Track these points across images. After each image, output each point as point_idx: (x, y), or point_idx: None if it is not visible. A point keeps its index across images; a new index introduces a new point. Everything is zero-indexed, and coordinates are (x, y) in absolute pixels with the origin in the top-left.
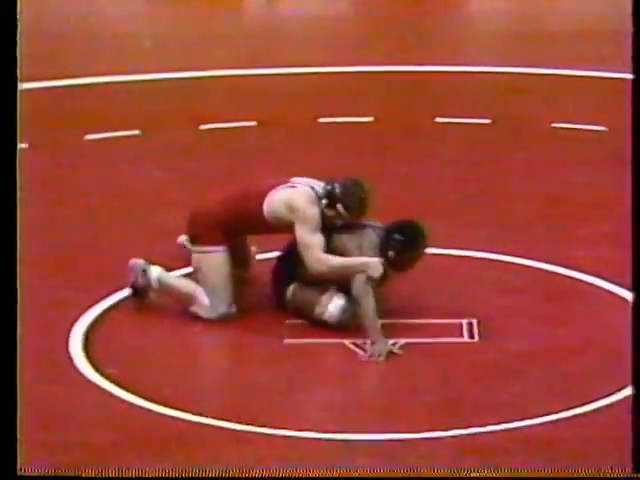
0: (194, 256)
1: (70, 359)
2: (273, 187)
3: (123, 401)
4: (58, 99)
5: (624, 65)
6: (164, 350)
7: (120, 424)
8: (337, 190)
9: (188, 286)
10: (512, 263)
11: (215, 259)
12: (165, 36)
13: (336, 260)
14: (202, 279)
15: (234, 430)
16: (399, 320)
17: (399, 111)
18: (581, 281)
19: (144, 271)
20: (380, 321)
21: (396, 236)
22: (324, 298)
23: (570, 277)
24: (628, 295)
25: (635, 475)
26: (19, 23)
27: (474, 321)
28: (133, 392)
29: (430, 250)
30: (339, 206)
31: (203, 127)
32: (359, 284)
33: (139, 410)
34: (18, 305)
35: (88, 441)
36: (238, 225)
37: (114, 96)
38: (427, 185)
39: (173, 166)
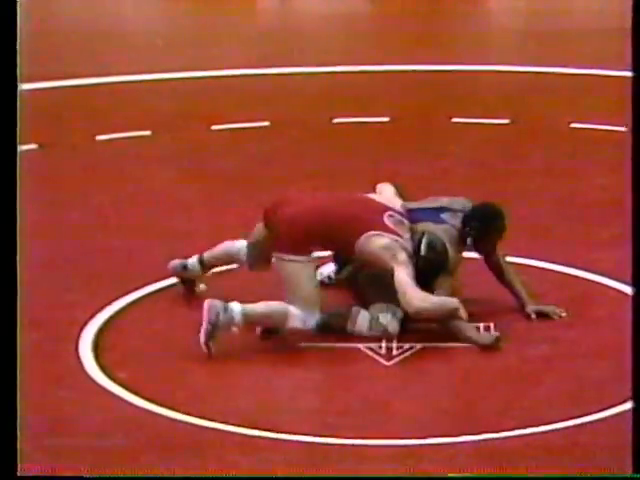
0: (284, 266)
1: (80, 363)
2: (369, 222)
3: (133, 405)
4: (69, 99)
5: None
6: (175, 354)
7: (130, 428)
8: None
9: (277, 307)
10: (531, 266)
11: (308, 268)
12: (177, 35)
13: (433, 299)
14: (294, 289)
15: (245, 435)
16: (415, 324)
17: (415, 111)
18: (601, 284)
19: (225, 309)
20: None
21: (472, 223)
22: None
23: (590, 280)
24: None
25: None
26: (25, 22)
27: (492, 325)
28: (143, 396)
29: None
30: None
31: (215, 127)
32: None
33: (149, 415)
34: (18, 307)
35: (97, 445)
36: (324, 242)
37: (125, 96)
38: (443, 186)
39: (185, 167)
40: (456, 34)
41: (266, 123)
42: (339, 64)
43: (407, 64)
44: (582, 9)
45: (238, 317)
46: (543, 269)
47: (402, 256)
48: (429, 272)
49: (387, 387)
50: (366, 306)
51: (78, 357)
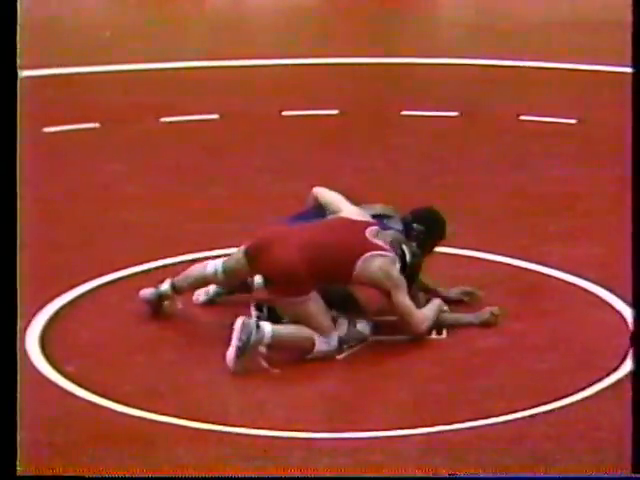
0: (289, 307)
1: (27, 356)
2: (359, 245)
3: (80, 398)
4: None
5: (593, 57)
6: (123, 347)
7: (78, 422)
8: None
9: (306, 332)
10: (480, 258)
11: (312, 303)
12: (126, 27)
13: (430, 311)
14: (309, 323)
15: (195, 429)
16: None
17: (365, 104)
18: (550, 277)
19: (258, 328)
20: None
21: (418, 227)
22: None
23: (539, 273)
24: (598, 291)
25: (635, 475)
26: None
27: None
28: (91, 390)
29: None
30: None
31: (165, 120)
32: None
33: (97, 408)
34: None
35: (43, 439)
36: (322, 277)
37: (73, 88)
38: (393, 179)
39: (134, 159)
40: (406, 27)
41: (215, 116)
42: (289, 57)
43: (357, 57)
44: (531, 3)
45: (268, 338)
46: (492, 261)
47: (396, 274)
48: (412, 279)
49: (338, 381)
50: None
51: (25, 351)
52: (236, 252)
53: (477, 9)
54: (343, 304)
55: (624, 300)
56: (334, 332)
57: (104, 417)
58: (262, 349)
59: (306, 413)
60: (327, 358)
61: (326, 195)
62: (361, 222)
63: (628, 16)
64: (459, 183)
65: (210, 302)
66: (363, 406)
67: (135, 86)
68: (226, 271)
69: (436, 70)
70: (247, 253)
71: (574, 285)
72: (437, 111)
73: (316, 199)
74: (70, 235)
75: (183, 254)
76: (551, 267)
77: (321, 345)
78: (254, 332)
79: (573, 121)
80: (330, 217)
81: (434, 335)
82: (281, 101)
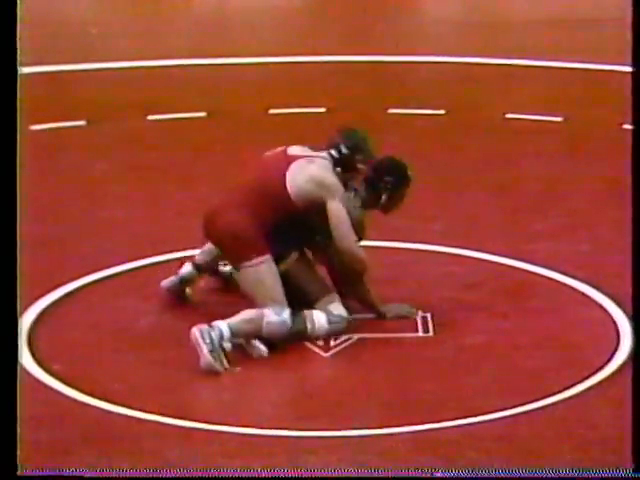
0: (242, 275)
1: None
2: (281, 164)
3: (67, 397)
4: None
5: (579, 54)
6: (110, 346)
7: (64, 421)
8: (347, 150)
9: (253, 311)
10: (466, 257)
11: (265, 266)
12: (113, 24)
13: (360, 249)
14: (260, 295)
15: (182, 427)
16: (354, 315)
17: (351, 102)
18: (536, 275)
19: (212, 328)
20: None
21: (386, 178)
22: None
23: (525, 271)
24: (584, 288)
25: (635, 476)
26: None
27: (429, 315)
28: (78, 388)
29: (384, 244)
30: (359, 164)
31: (152, 117)
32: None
33: (84, 406)
34: None
35: (31, 438)
36: (268, 218)
37: (60, 85)
38: None
39: (121, 157)
40: (392, 25)
41: (202, 113)
42: (275, 55)
43: (344, 55)
44: (515, 0)
45: (227, 331)
46: (479, 259)
47: (330, 178)
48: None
49: (325, 378)
50: (308, 304)
51: None
52: None
53: (463, 7)
54: (309, 289)
55: (611, 297)
56: (286, 307)
57: (91, 416)
58: (227, 345)
59: (292, 411)
60: (280, 335)
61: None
62: (281, 150)
63: (615, 14)
64: (445, 181)
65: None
66: (350, 404)
67: (122, 84)
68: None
69: (422, 68)
70: (204, 234)
71: (561, 283)
72: (423, 109)
73: None
74: (57, 233)
75: (170, 252)
76: (538, 265)
77: (271, 316)
78: (212, 332)
79: (559, 119)
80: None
81: (421, 333)
82: (268, 99)
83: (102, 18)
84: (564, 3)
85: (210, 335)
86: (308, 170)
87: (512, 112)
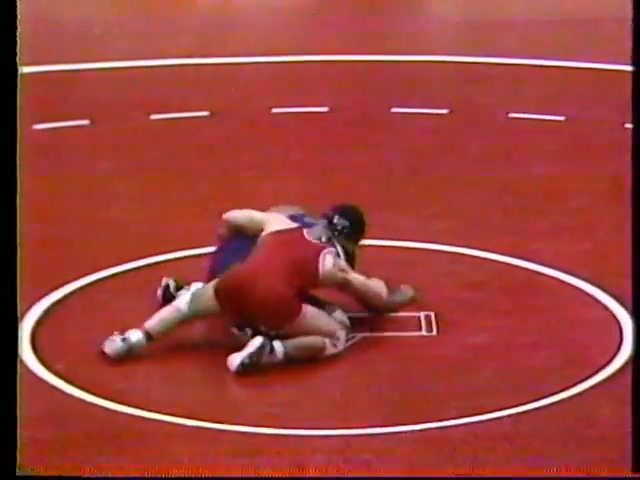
0: (292, 331)
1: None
2: (312, 248)
3: (70, 396)
4: None
5: (582, 54)
6: None
7: (68, 419)
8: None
9: (312, 339)
10: (470, 256)
11: (309, 315)
12: (116, 24)
13: (376, 281)
14: (315, 331)
15: (186, 426)
16: (356, 314)
17: (355, 101)
18: (541, 274)
19: (272, 351)
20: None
21: (342, 222)
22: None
23: (530, 270)
24: (587, 287)
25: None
26: None
27: (432, 314)
28: (81, 387)
29: (387, 243)
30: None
31: (154, 117)
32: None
33: (88, 406)
34: None
35: (35, 437)
36: (303, 294)
37: (63, 85)
38: (383, 176)
39: (123, 156)
40: (395, 25)
41: (205, 113)
42: (278, 54)
43: (347, 54)
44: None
45: (279, 358)
46: (482, 258)
47: (343, 263)
48: (352, 266)
49: (328, 378)
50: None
51: None
52: (200, 295)
53: (466, 7)
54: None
55: (614, 297)
56: (339, 330)
57: (95, 415)
58: (266, 360)
59: (296, 411)
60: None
61: (238, 217)
62: (295, 229)
63: (617, 13)
64: (449, 180)
65: None
66: (352, 403)
67: (124, 83)
68: (196, 314)
69: (425, 67)
70: (221, 303)
71: (564, 282)
72: (426, 108)
73: (229, 225)
74: (59, 233)
75: (172, 251)
76: (540, 264)
77: (331, 349)
78: (266, 355)
79: (562, 118)
80: (265, 236)
81: (424, 332)
82: (271, 98)
83: (104, 18)
84: (567, 3)
85: (261, 356)
86: (331, 260)
87: (515, 112)
